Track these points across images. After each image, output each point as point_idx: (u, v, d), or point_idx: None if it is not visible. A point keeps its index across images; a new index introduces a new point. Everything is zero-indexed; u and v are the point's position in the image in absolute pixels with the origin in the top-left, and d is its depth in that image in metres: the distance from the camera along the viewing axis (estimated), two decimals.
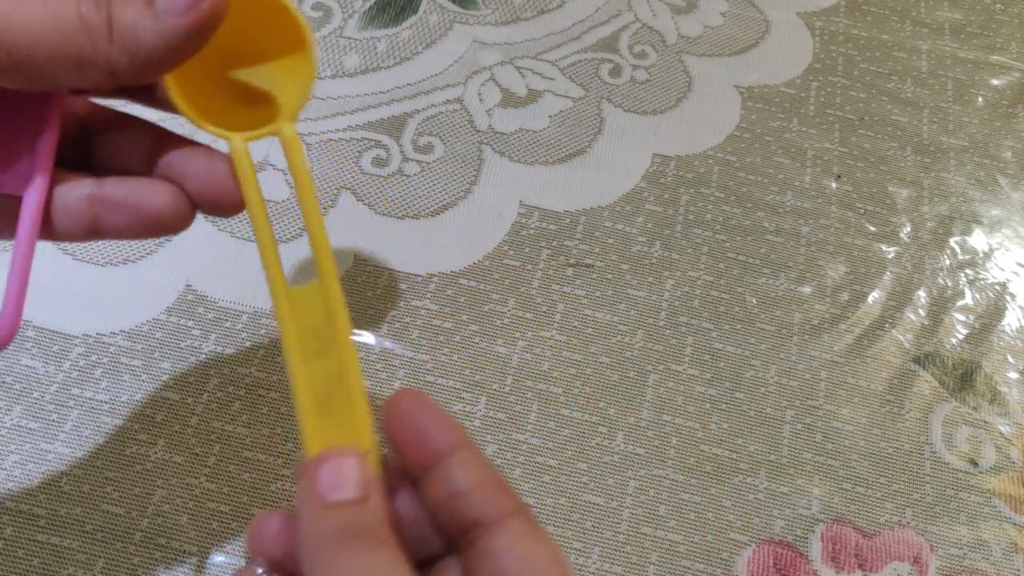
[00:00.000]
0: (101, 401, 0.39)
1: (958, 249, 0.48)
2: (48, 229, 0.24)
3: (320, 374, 0.24)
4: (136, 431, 0.38)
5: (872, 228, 0.48)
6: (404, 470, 0.24)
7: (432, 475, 0.23)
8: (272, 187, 0.46)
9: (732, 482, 0.40)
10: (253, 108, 0.25)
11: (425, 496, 0.23)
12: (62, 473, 0.37)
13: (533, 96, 0.52)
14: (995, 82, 0.55)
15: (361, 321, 0.43)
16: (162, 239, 0.44)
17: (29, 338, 0.40)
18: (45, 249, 0.42)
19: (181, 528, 0.36)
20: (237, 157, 0.24)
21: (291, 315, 0.24)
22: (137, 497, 0.37)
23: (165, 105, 0.25)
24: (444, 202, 0.47)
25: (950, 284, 0.47)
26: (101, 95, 0.26)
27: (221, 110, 0.25)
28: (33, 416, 0.39)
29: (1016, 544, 0.39)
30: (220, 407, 0.39)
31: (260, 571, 0.23)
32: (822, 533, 0.39)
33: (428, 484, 0.23)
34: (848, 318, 0.45)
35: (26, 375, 0.40)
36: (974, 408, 0.43)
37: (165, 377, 0.40)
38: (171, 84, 0.24)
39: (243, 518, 0.37)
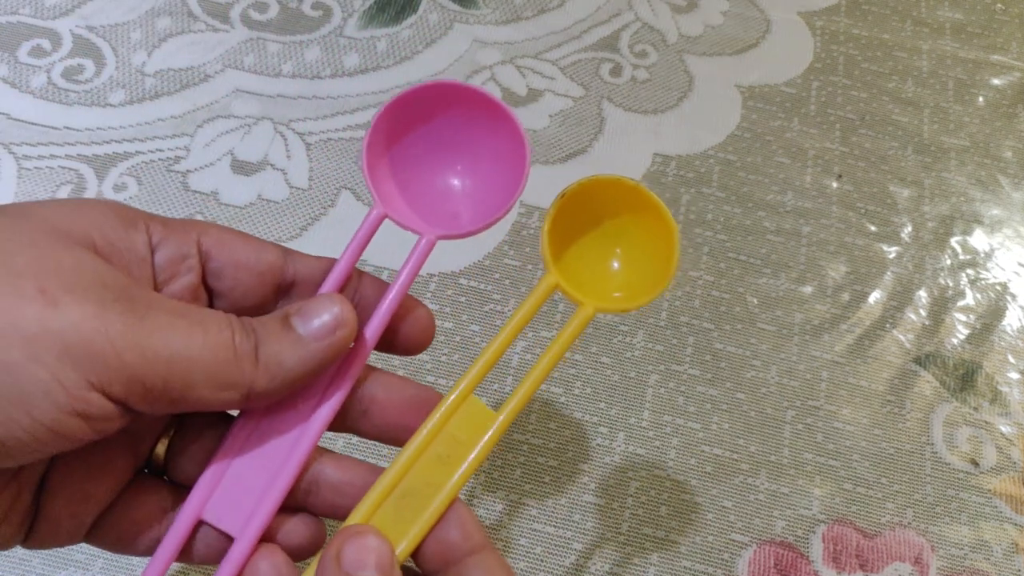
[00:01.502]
0: None
1: (959, 249, 0.48)
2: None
3: (421, 472, 0.24)
4: None
5: (873, 228, 0.48)
6: (419, 566, 0.24)
7: (452, 574, 0.23)
8: (271, 186, 0.46)
9: (733, 482, 0.40)
10: (603, 281, 0.26)
11: None
12: None
13: (533, 95, 0.52)
14: (996, 82, 0.55)
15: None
16: None
17: None
18: None
19: None
20: (582, 323, 0.25)
21: (451, 415, 0.24)
22: None
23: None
24: None
25: (951, 284, 0.47)
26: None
27: (577, 272, 0.26)
28: None
29: (1017, 544, 0.39)
30: None
31: None
32: (823, 533, 0.39)
33: None
34: (849, 318, 0.45)
35: None
36: (975, 408, 0.43)
37: None
38: (548, 236, 0.25)
39: None
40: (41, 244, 0.20)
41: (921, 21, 0.58)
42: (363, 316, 0.25)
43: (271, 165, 0.47)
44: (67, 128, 0.48)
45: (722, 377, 0.43)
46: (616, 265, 0.26)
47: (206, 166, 0.47)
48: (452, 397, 0.24)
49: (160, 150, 0.48)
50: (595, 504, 0.39)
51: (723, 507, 0.39)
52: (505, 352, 0.26)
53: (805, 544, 0.38)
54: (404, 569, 0.24)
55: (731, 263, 0.46)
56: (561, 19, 0.56)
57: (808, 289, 0.46)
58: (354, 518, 0.23)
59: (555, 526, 0.38)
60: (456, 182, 0.26)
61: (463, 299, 0.44)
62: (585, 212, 0.26)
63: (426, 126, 0.26)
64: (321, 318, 0.23)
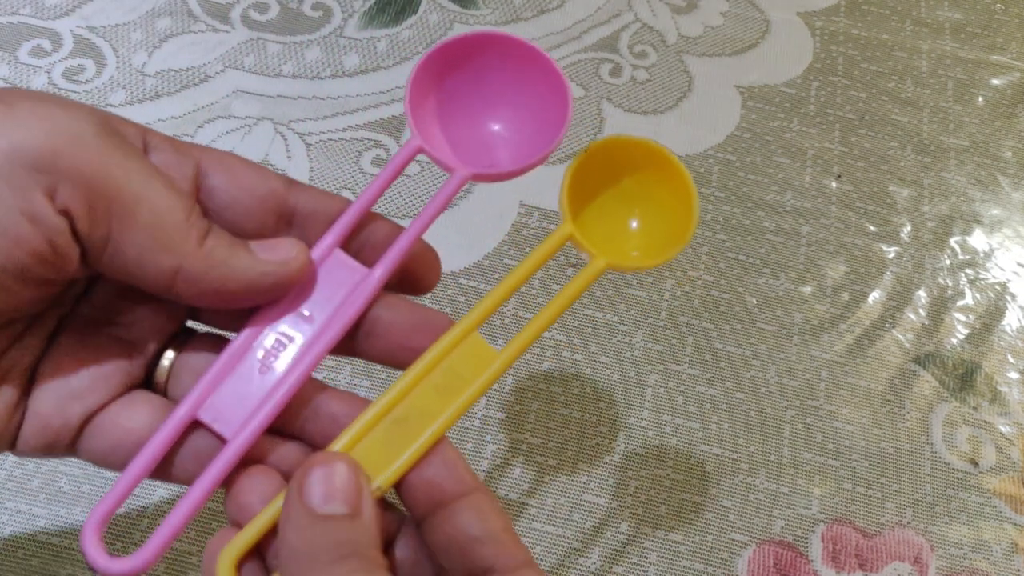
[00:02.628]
0: None
1: (958, 249, 0.48)
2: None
3: (417, 401, 0.24)
4: None
5: (872, 228, 0.48)
6: (407, 508, 0.23)
7: (441, 516, 0.23)
8: None
9: (732, 482, 0.40)
10: (618, 238, 0.26)
11: (429, 537, 0.23)
12: (62, 473, 0.37)
13: None
14: (995, 82, 0.55)
15: None
16: None
17: None
18: None
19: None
20: (591, 275, 0.25)
21: (452, 348, 0.24)
22: (137, 497, 0.37)
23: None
24: None
25: (950, 284, 0.47)
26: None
27: (596, 228, 0.26)
28: None
29: (1016, 544, 0.39)
30: None
31: None
32: (822, 533, 0.39)
33: (435, 526, 0.23)
34: (848, 318, 0.45)
35: None
36: (974, 408, 0.43)
37: None
38: (568, 189, 0.25)
39: None
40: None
41: (921, 21, 0.58)
42: (370, 257, 0.25)
43: (271, 165, 0.47)
44: None
45: (721, 377, 0.43)
46: (634, 225, 0.26)
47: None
48: (456, 331, 0.24)
49: None
50: (595, 504, 0.39)
51: (723, 507, 0.39)
52: (512, 295, 0.26)
53: (804, 544, 0.39)
54: (387, 505, 0.24)
55: (730, 263, 0.46)
56: (561, 19, 0.56)
57: (807, 289, 0.46)
58: (340, 443, 0.23)
59: (555, 526, 0.38)
60: (496, 128, 0.27)
61: (463, 299, 0.44)
62: (606, 171, 0.26)
63: (471, 73, 0.26)
64: (276, 249, 0.23)
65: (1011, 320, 0.46)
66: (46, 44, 0.51)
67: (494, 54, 0.26)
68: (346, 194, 0.47)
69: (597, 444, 0.40)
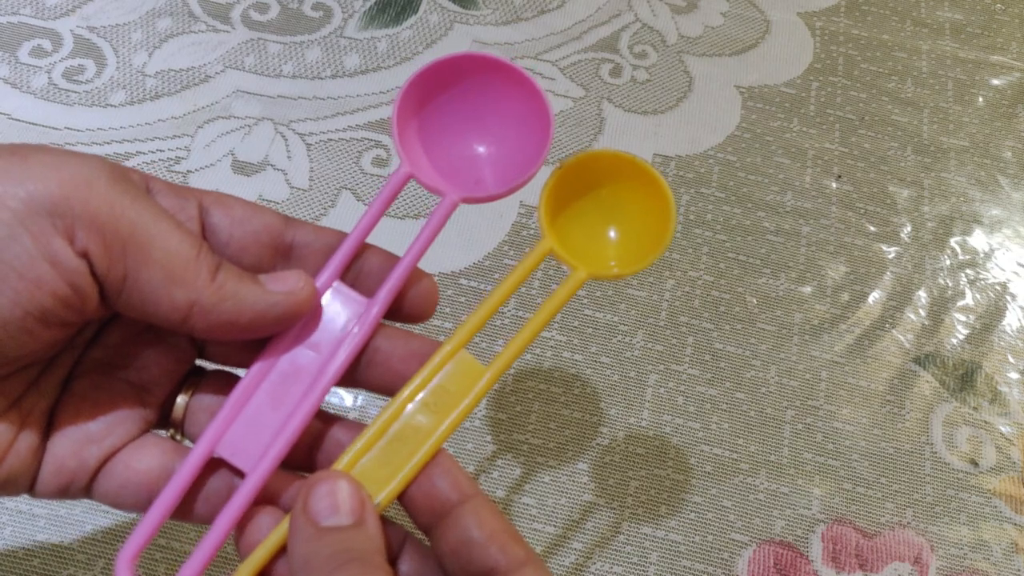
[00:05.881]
0: None
1: (958, 249, 0.48)
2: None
3: (410, 420, 0.25)
4: None
5: (872, 228, 0.48)
6: (415, 521, 0.24)
7: (444, 524, 0.23)
8: (272, 186, 0.47)
9: (733, 482, 0.40)
10: (598, 249, 0.27)
11: (437, 546, 0.24)
12: None
13: None
14: (995, 82, 0.55)
15: None
16: None
17: None
18: None
19: (186, 527, 0.36)
20: (573, 287, 0.26)
21: (441, 367, 0.25)
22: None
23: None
24: None
25: (950, 284, 0.47)
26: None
27: (573, 237, 0.27)
28: None
29: (1016, 544, 0.39)
30: None
31: None
32: (823, 533, 0.39)
33: (440, 534, 0.24)
34: (848, 318, 0.45)
35: None
36: (974, 408, 0.43)
37: None
38: (546, 202, 0.26)
39: None
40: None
41: (921, 21, 0.58)
42: (366, 285, 0.26)
43: (272, 166, 0.47)
44: (68, 128, 0.48)
45: (722, 377, 0.43)
46: (612, 235, 0.27)
47: (207, 167, 0.47)
48: (445, 350, 0.25)
49: (161, 151, 0.48)
50: (595, 504, 0.39)
51: (723, 507, 0.39)
52: (496, 312, 0.26)
53: (805, 544, 0.39)
54: (388, 522, 0.25)
55: (731, 263, 0.46)
56: (561, 20, 0.56)
57: (808, 289, 0.46)
58: (340, 463, 0.24)
59: (555, 526, 0.38)
60: (481, 149, 0.27)
61: (463, 299, 0.44)
62: (582, 184, 0.27)
63: (454, 94, 0.27)
64: (283, 280, 0.24)
65: (1011, 320, 0.46)
66: (46, 44, 0.51)
67: (475, 75, 0.26)
68: (346, 194, 0.47)
69: (597, 444, 0.40)
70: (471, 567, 0.23)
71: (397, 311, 0.26)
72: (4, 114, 0.48)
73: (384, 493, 0.24)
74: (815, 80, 0.55)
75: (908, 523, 0.39)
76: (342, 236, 0.26)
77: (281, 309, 0.24)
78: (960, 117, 0.54)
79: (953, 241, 0.48)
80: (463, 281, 0.44)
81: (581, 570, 0.37)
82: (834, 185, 0.50)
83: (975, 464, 0.41)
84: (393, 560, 0.25)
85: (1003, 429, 0.42)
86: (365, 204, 0.46)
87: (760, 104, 0.53)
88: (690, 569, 0.37)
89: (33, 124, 0.48)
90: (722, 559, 0.38)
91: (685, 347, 0.43)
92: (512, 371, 0.42)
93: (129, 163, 0.47)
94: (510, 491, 0.39)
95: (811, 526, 0.39)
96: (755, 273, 0.46)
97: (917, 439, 0.42)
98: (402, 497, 0.24)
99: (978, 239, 0.49)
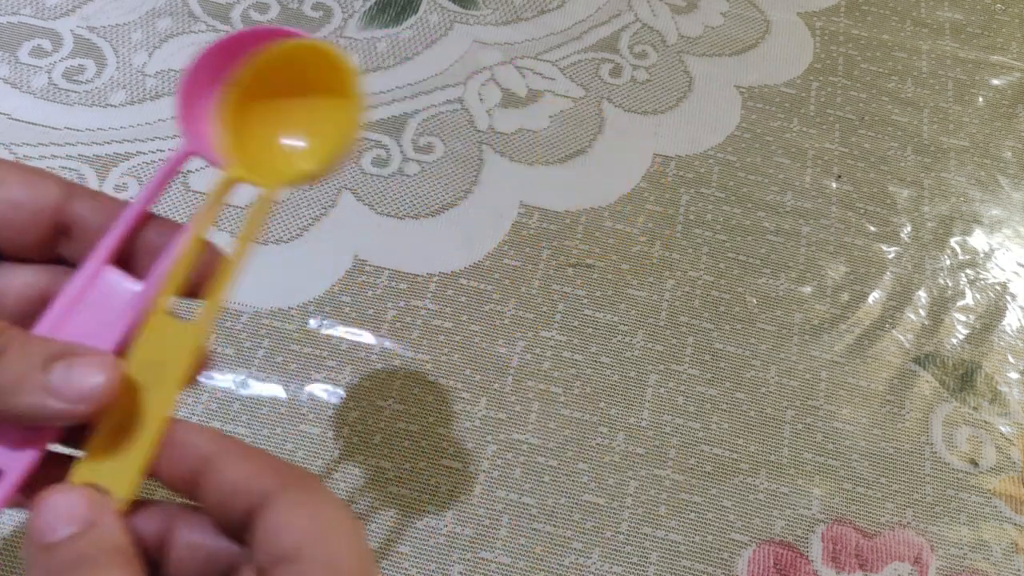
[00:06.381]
0: None
1: (958, 249, 0.48)
2: None
3: (129, 405, 0.23)
4: None
5: (872, 228, 0.48)
6: (177, 488, 0.23)
7: (202, 486, 0.22)
8: None
9: (732, 482, 0.40)
10: (295, 155, 0.26)
11: (207, 509, 0.23)
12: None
13: (533, 96, 0.52)
14: (995, 82, 0.55)
15: (361, 321, 0.43)
16: None
17: None
18: None
19: None
20: (261, 205, 0.24)
21: (148, 338, 0.23)
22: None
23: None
24: (444, 202, 0.47)
25: (950, 284, 0.47)
26: None
27: (262, 151, 0.26)
28: None
29: (1016, 544, 0.39)
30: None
31: None
32: (822, 533, 0.39)
33: (203, 495, 0.22)
34: (848, 318, 0.45)
35: None
36: (974, 408, 0.43)
37: None
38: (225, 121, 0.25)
39: None
40: None
41: (921, 21, 0.58)
42: (147, 259, 0.24)
43: None
44: (68, 128, 0.48)
45: (722, 377, 0.43)
46: (302, 140, 0.26)
47: (207, 167, 0.47)
48: (140, 320, 0.23)
49: (161, 150, 0.48)
50: (595, 504, 0.39)
51: (723, 507, 0.39)
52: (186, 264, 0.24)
53: (804, 544, 0.39)
54: (156, 503, 0.23)
55: (731, 263, 0.46)
56: (561, 20, 0.56)
57: (807, 289, 0.46)
58: (74, 473, 0.23)
59: (555, 526, 0.38)
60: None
61: (463, 299, 0.44)
62: (265, 90, 0.25)
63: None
64: (81, 382, 0.21)
65: (1011, 320, 0.46)
66: (46, 44, 0.51)
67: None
68: (346, 195, 0.47)
69: (597, 444, 0.40)
70: (235, 516, 0.22)
71: (196, 288, 0.24)
72: (4, 114, 0.48)
73: (123, 486, 0.22)
74: (815, 80, 0.55)
75: (908, 523, 0.39)
76: (123, 208, 0.24)
77: (64, 420, 0.21)
78: (960, 117, 0.54)
79: (953, 241, 0.48)
80: (463, 281, 0.44)
81: (581, 570, 0.37)
82: (834, 185, 0.50)
83: (975, 464, 0.41)
84: (166, 539, 0.23)
85: (1003, 429, 0.42)
86: (366, 204, 0.46)
87: (760, 104, 0.53)
88: (690, 569, 0.37)
89: (33, 124, 0.48)
90: (722, 559, 0.38)
91: (685, 347, 0.43)
92: (512, 371, 0.42)
93: (129, 163, 0.47)
94: (510, 491, 0.39)
95: (811, 526, 0.39)
96: (755, 273, 0.46)
97: (917, 439, 0.42)
98: (159, 468, 0.23)
99: (978, 239, 0.49)
